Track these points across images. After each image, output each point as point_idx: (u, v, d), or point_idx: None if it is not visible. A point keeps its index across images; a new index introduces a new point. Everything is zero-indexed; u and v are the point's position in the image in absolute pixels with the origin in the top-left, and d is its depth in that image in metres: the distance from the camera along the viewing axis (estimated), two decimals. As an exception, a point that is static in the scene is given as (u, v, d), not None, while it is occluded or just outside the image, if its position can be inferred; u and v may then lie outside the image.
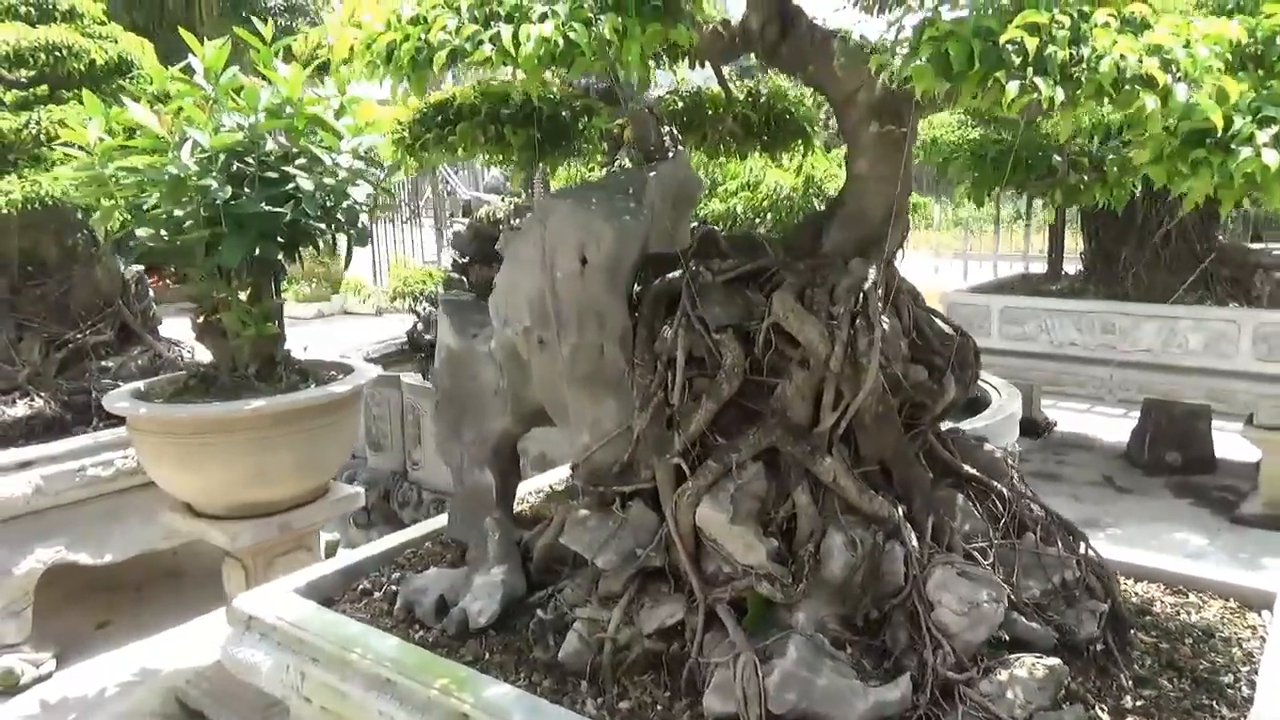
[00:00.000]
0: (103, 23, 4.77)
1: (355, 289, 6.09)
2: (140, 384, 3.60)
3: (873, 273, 2.01)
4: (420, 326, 5.80)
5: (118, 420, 4.43)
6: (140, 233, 3.23)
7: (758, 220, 3.85)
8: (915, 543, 1.93)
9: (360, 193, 3.46)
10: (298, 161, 3.32)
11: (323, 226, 3.31)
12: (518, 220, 5.20)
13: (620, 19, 1.37)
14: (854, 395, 1.94)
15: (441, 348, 2.49)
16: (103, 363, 4.49)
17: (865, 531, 1.92)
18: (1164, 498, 5.84)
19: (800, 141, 2.85)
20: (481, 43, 1.37)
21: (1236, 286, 5.56)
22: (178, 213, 3.24)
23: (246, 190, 3.11)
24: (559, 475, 3.30)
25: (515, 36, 1.34)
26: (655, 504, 2.09)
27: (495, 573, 2.29)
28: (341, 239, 3.52)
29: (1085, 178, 2.30)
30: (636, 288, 2.30)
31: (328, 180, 3.27)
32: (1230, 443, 6.10)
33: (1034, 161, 2.32)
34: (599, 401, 2.17)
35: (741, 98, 2.69)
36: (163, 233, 3.28)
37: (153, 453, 3.32)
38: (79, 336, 4.41)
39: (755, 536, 1.91)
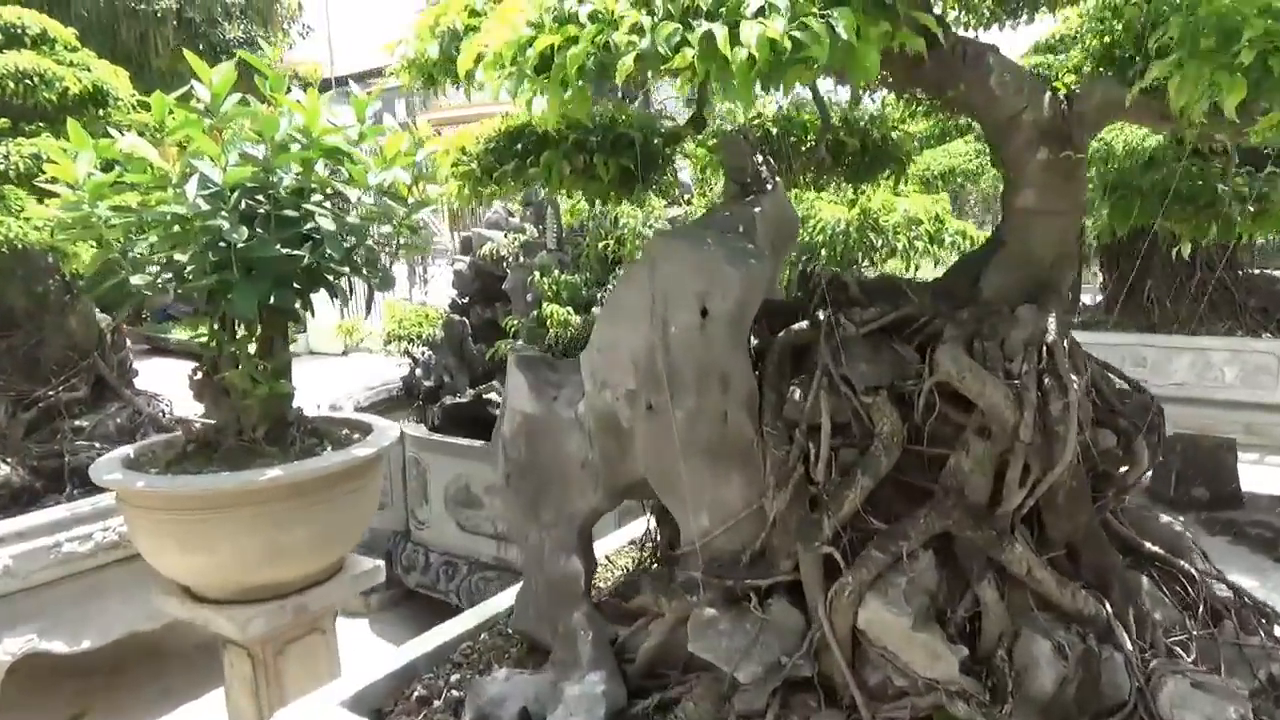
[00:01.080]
0: (75, 48, 4.37)
1: (347, 331, 5.70)
2: (129, 450, 3.17)
3: (1052, 323, 1.71)
4: (420, 372, 5.40)
5: (94, 487, 3.99)
6: (136, 280, 2.83)
7: (808, 258, 3.56)
8: (1129, 644, 1.62)
9: (382, 232, 3.11)
10: (314, 198, 2.95)
11: (345, 270, 2.95)
12: (527, 258, 4.86)
13: (856, 16, 1.06)
14: (1046, 469, 1.63)
15: (514, 413, 2.14)
16: (76, 422, 4.04)
17: (1070, 634, 1.60)
18: (1199, 535, 5.62)
19: (889, 173, 2.58)
20: (682, 45, 1.05)
21: (1266, 317, 5.41)
22: (179, 257, 2.85)
23: (258, 231, 2.74)
24: (613, 544, 2.96)
25: (733, 36, 1.02)
26: (799, 601, 1.76)
27: (592, 681, 1.93)
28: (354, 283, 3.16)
29: (1249, 208, 2.03)
30: (752, 341, 1.99)
31: (351, 219, 2.91)
32: (1254, 476, 5.93)
33: (1192, 192, 2.06)
34: (722, 477, 1.84)
35: (836, 121, 2.41)
36: (160, 280, 2.88)
37: (149, 531, 2.90)
38: (50, 394, 3.96)
39: (942, 643, 1.58)
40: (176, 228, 2.79)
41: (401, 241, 3.11)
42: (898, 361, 1.80)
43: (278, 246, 2.77)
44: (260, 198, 2.83)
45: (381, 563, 3.36)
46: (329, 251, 2.85)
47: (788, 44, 1.03)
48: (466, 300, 5.53)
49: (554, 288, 4.39)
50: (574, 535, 2.11)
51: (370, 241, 3.05)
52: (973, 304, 1.82)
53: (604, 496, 2.07)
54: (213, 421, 3.20)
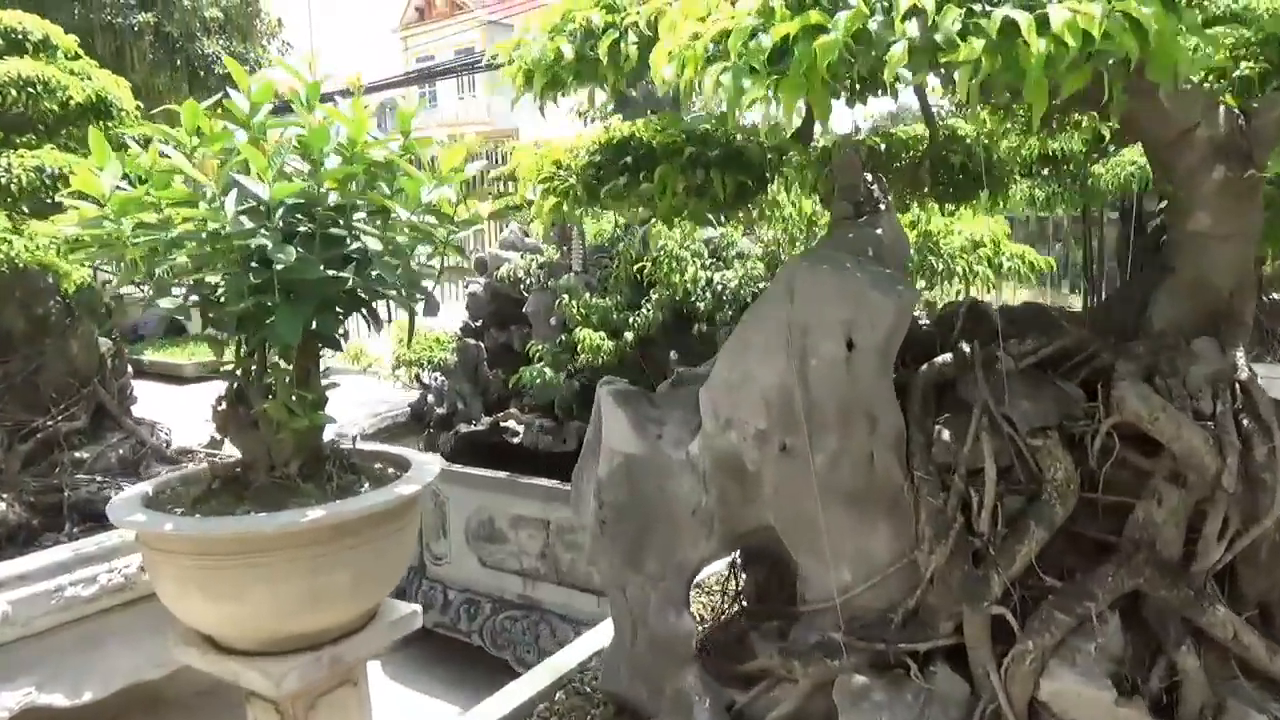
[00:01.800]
0: (76, 55, 4.13)
1: (355, 356, 5.45)
2: (147, 487, 2.92)
3: (1240, 358, 1.55)
4: (432, 398, 5.17)
5: (97, 523, 3.72)
6: (164, 304, 2.60)
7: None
8: (1348, 719, 1.45)
9: (424, 252, 2.90)
10: (356, 215, 2.74)
11: (390, 293, 2.73)
12: (551, 280, 4.67)
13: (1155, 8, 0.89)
14: (1249, 522, 1.47)
15: (612, 453, 1.94)
16: (76, 454, 3.77)
17: (1285, 707, 1.43)
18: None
19: (988, 193, 2.43)
20: (972, 32, 0.87)
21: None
22: (210, 279, 2.63)
23: (298, 250, 2.52)
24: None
25: (1040, 21, 0.85)
26: (962, 668, 1.58)
27: (712, 754, 1.73)
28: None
29: None
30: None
31: (400, 238, 2.70)
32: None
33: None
34: (867, 526, 1.65)
35: (942, 138, 2.26)
36: (189, 304, 2.66)
37: (174, 577, 2.65)
38: (49, 424, 3.69)
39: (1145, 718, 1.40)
40: (209, 247, 2.57)
41: (447, 263, 2.90)
42: (1062, 399, 1.63)
43: (321, 268, 2.55)
44: (300, 215, 2.61)
45: (418, 607, 3.12)
46: (383, 274, 2.64)
47: (1099, 32, 0.86)
48: (480, 323, 5.31)
49: (583, 311, 4.19)
50: (683, 588, 1.91)
51: (414, 263, 2.84)
52: (1142, 336, 1.66)
53: (718, 545, 1.88)
54: (233, 456, 2.96)
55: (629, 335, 4.14)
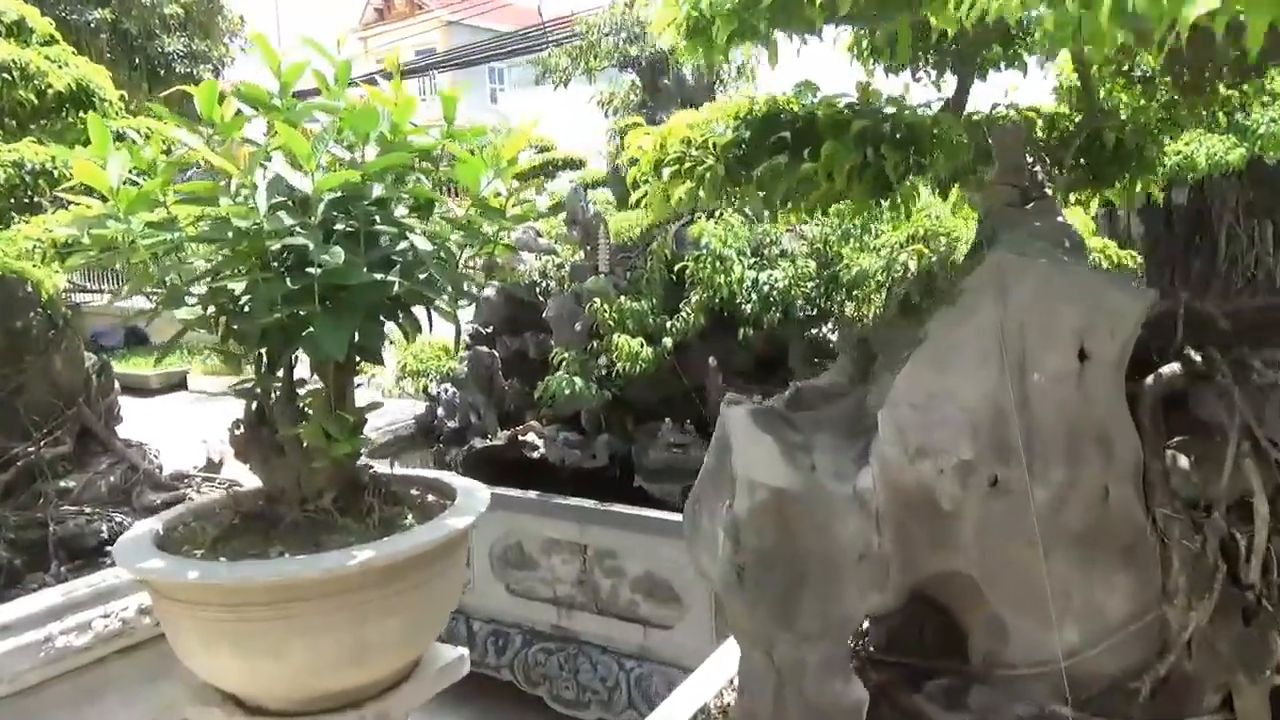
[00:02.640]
0: (53, 40, 3.72)
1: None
2: (155, 524, 2.55)
3: None
4: (442, 412, 4.81)
5: (87, 560, 3.33)
6: (181, 315, 2.24)
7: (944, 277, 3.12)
8: None
9: (467, 252, 2.57)
10: (397, 211, 2.41)
11: (443, 298, 2.40)
12: (576, 282, 4.34)
13: None
14: None
15: (754, 486, 1.63)
16: (61, 483, 3.37)
17: None
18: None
19: (1131, 178, 2.16)
20: None
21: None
22: (233, 286, 2.27)
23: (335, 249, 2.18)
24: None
25: None
26: (1235, 749, 1.29)
27: None
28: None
29: None
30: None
31: (455, 236, 2.37)
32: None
33: None
34: (1099, 576, 1.36)
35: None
36: (209, 313, 2.30)
37: (199, 632, 2.28)
38: (30, 450, 3.29)
39: None
40: (232, 248, 2.22)
41: (498, 262, 2.58)
42: (1334, 417, 1.35)
43: (366, 270, 2.22)
44: (338, 211, 2.27)
45: (464, 651, 2.78)
46: (429, 275, 2.31)
47: None
48: (490, 329, 4.97)
49: (616, 315, 3.87)
50: (845, 648, 1.60)
51: (461, 264, 2.51)
52: None
53: (892, 595, 1.58)
54: (235, 481, 2.61)
55: (667, 341, 3.82)
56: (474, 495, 2.71)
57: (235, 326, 2.29)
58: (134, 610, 3.12)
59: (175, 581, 2.20)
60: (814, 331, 3.90)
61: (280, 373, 2.58)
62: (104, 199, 2.19)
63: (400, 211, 2.44)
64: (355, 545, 2.30)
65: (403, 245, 2.33)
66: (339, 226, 2.28)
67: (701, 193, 1.56)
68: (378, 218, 2.34)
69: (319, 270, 2.15)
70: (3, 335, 3.26)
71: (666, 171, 1.56)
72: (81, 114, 3.76)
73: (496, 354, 4.80)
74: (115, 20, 14.78)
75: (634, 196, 1.81)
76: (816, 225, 3.88)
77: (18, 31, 3.55)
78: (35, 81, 3.36)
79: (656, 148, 1.64)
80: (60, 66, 3.63)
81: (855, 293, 3.72)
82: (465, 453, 4.60)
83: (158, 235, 2.29)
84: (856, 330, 2.01)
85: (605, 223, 4.26)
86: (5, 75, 3.22)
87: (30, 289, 3.37)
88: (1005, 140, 1.75)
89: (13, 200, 3.29)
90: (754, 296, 3.66)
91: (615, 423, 4.28)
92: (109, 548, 3.44)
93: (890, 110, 1.54)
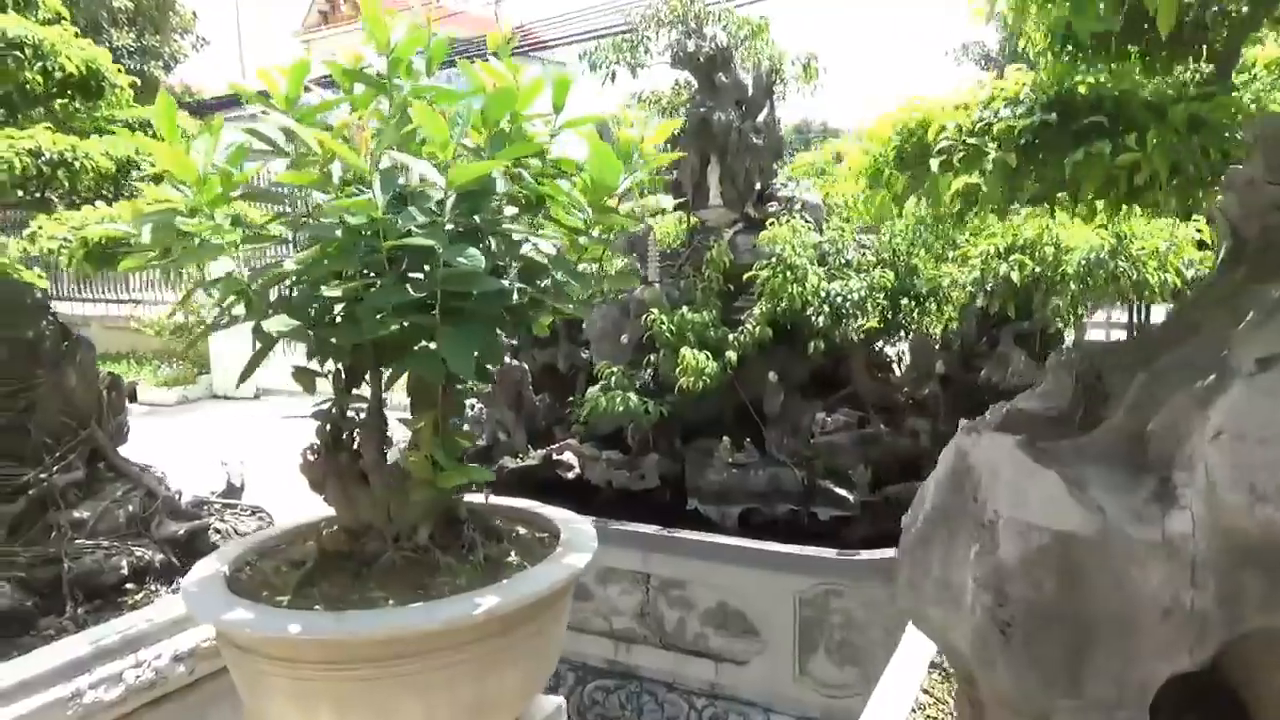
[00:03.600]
0: (59, 19, 3.36)
1: None
2: (220, 566, 2.22)
3: None
4: (468, 428, 4.48)
5: (107, 600, 2.98)
6: (272, 326, 1.94)
7: (1046, 290, 2.95)
8: None
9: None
10: (507, 210, 2.13)
11: (570, 307, 2.13)
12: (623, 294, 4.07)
13: None
14: None
15: (1030, 530, 1.41)
16: (75, 513, 2.99)
17: None
18: None
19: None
20: None
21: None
22: (329, 291, 1.97)
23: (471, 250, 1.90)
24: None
25: None
26: None
27: None
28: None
29: None
30: None
31: (583, 239, 2.10)
32: None
33: None
34: None
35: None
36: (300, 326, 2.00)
37: (294, 694, 1.97)
38: (43, 476, 2.91)
39: None
40: (335, 249, 1.93)
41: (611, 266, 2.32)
42: None
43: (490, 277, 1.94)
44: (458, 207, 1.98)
45: (563, 700, 2.50)
46: (553, 280, 2.04)
47: None
48: (515, 341, 4.68)
49: (675, 328, 3.62)
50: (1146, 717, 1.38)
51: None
52: None
53: (1204, 657, 1.36)
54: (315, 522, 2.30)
55: (731, 355, 3.59)
56: (579, 530, 2.44)
57: (334, 340, 1.98)
58: (168, 658, 2.77)
59: (269, 636, 1.88)
60: (878, 345, 3.71)
61: (350, 391, 2.30)
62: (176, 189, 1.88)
63: (509, 210, 2.17)
64: (472, 589, 2.02)
65: (526, 248, 2.06)
66: (449, 226, 2.00)
67: (984, 185, 1.33)
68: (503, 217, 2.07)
69: (440, 275, 1.87)
70: (8, 347, 2.88)
71: (935, 163, 1.33)
72: (89, 101, 3.41)
73: (525, 367, 4.51)
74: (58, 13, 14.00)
75: (852, 192, 1.58)
76: (882, 235, 3.69)
77: (24, 5, 3.18)
78: (46, 61, 3.00)
79: (905, 130, 1.41)
80: (75, 47, 3.27)
81: (928, 305, 3.54)
82: (495, 473, 4.30)
83: (250, 233, 1.99)
84: (1072, 349, 1.79)
85: (652, 229, 4.02)
86: (17, 54, 2.86)
87: (39, 294, 3.01)
88: (1273, 131, 1.56)
89: (20, 194, 2.92)
90: (826, 308, 3.45)
91: (661, 441, 4.03)
92: (129, 584, 3.08)
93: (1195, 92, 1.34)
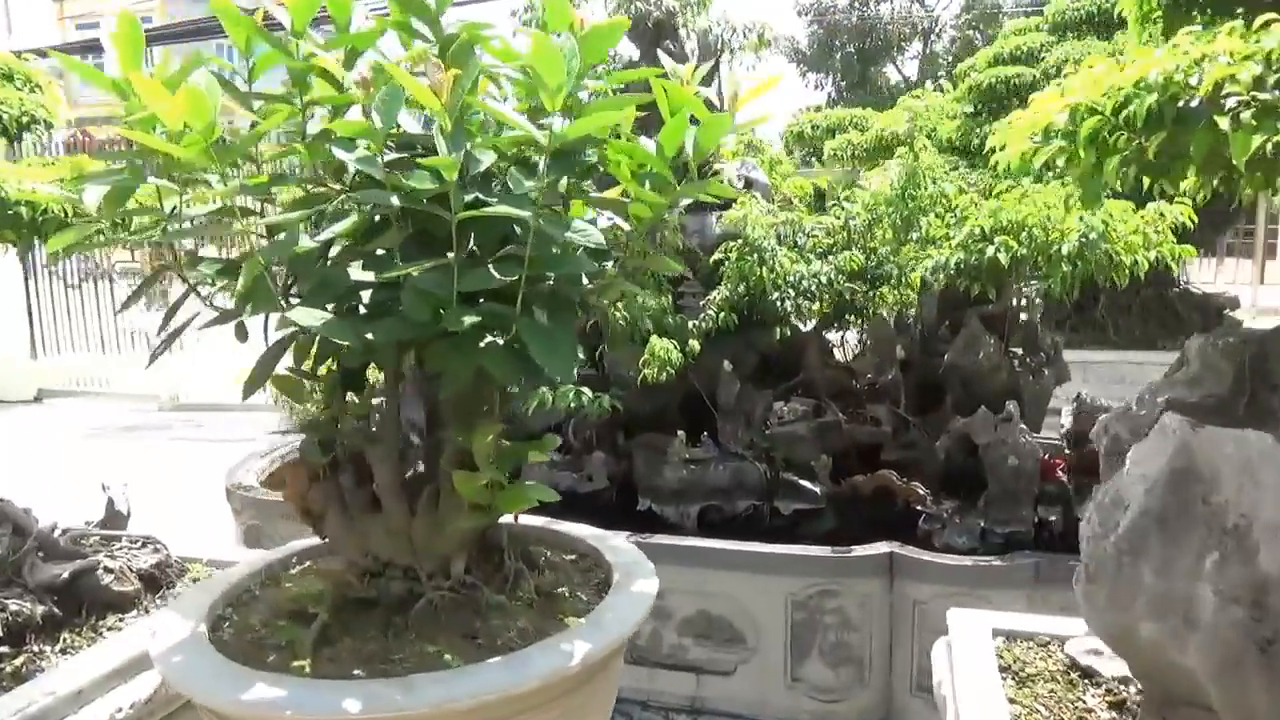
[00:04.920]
0: None
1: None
2: (190, 623, 1.74)
3: None
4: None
5: None
6: (301, 317, 1.50)
7: (1031, 270, 2.92)
8: None
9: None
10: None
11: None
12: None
13: None
14: None
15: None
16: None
17: None
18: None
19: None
20: None
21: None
22: (358, 274, 1.56)
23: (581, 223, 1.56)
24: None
25: None
26: None
27: None
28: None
29: None
30: None
31: (645, 213, 1.79)
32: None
33: None
34: None
35: None
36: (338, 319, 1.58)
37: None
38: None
39: None
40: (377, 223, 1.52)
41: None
42: None
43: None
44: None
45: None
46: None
47: None
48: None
49: (632, 316, 3.34)
50: None
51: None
52: None
53: None
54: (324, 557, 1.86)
55: (694, 344, 3.34)
56: (615, 545, 2.12)
57: (374, 338, 1.57)
58: (78, 737, 2.21)
59: (325, 712, 1.46)
60: (832, 331, 3.59)
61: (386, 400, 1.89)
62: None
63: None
64: (543, 633, 1.68)
65: (603, 223, 1.73)
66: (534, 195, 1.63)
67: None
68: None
69: (518, 255, 1.51)
70: None
71: (1224, 121, 1.15)
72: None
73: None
74: None
75: (1043, 158, 1.38)
76: (835, 216, 3.56)
77: None
78: None
79: (1134, 94, 1.23)
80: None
81: (883, 290, 3.45)
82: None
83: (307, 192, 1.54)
84: (1225, 333, 1.70)
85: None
86: None
87: None
88: None
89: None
90: (792, 292, 3.27)
91: (605, 438, 3.74)
92: (3, 648, 2.45)
93: None
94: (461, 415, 1.82)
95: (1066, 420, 3.63)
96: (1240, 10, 1.69)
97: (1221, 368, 1.67)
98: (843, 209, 3.53)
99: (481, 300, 1.58)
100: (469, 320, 1.49)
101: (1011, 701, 2.13)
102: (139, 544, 3.01)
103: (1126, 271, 2.99)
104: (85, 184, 1.58)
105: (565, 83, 1.43)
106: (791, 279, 3.27)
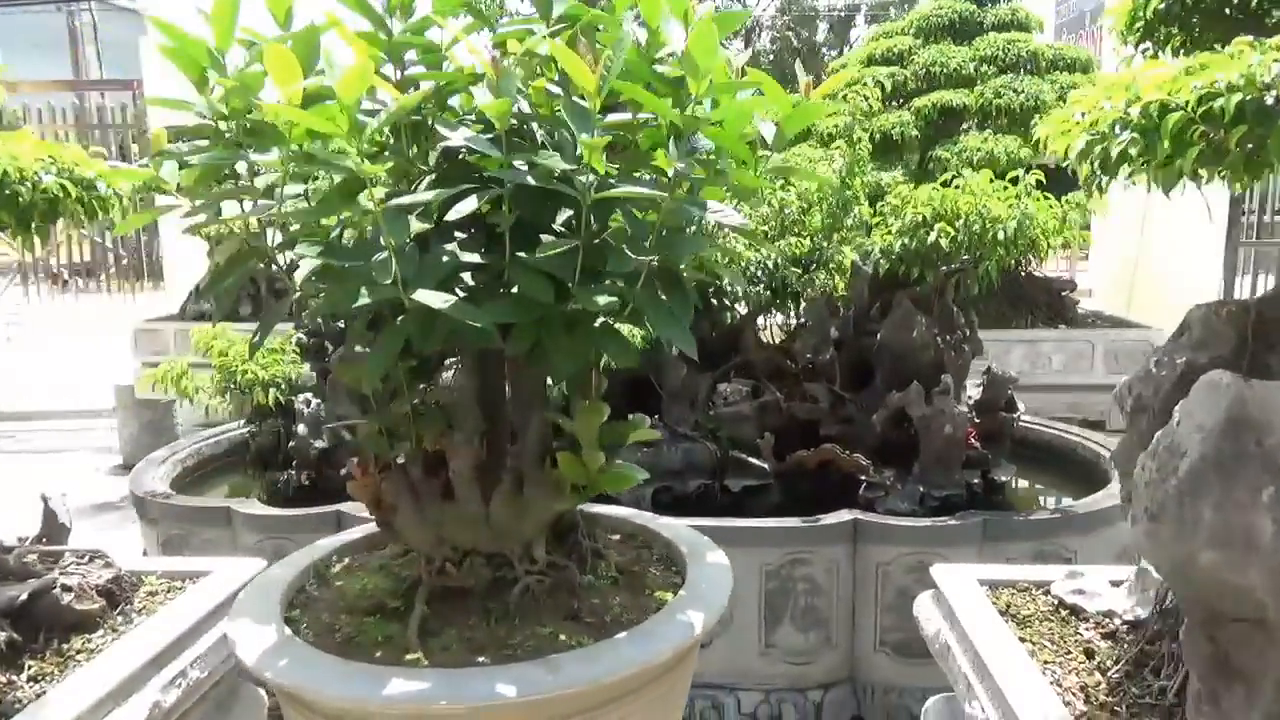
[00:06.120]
0: None
1: (173, 379, 3.66)
2: (264, 625, 1.65)
3: None
4: (304, 429, 3.75)
5: None
6: (427, 299, 1.46)
7: (966, 254, 3.19)
8: None
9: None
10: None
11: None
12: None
13: None
14: None
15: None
16: None
17: None
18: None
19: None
20: None
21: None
22: (468, 256, 1.53)
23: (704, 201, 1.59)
24: None
25: None
26: None
27: None
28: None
29: None
30: None
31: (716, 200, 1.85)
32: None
33: None
34: None
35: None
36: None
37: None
38: None
39: None
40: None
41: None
42: None
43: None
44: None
45: None
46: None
47: None
48: (316, 339, 4.03)
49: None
50: None
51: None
52: None
53: None
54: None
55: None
56: (670, 524, 2.17)
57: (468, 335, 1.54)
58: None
59: (475, 706, 1.42)
60: (766, 315, 3.74)
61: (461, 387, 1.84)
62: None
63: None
64: (644, 609, 1.71)
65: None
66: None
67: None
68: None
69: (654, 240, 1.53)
70: None
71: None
72: None
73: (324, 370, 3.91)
74: None
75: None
76: (767, 205, 3.71)
77: None
78: None
79: (1233, 89, 1.43)
80: None
81: (818, 273, 3.64)
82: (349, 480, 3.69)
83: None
84: (1225, 302, 1.96)
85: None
86: None
87: None
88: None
89: None
90: (743, 276, 3.40)
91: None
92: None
93: None
94: (539, 398, 1.82)
95: (974, 391, 3.96)
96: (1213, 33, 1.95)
97: (1224, 332, 1.92)
98: (778, 196, 3.70)
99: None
100: (603, 300, 1.50)
101: (1022, 640, 2.34)
102: (85, 558, 2.75)
103: (1045, 253, 3.32)
104: (165, 159, 1.46)
105: (712, 70, 1.46)
106: (742, 265, 3.40)
